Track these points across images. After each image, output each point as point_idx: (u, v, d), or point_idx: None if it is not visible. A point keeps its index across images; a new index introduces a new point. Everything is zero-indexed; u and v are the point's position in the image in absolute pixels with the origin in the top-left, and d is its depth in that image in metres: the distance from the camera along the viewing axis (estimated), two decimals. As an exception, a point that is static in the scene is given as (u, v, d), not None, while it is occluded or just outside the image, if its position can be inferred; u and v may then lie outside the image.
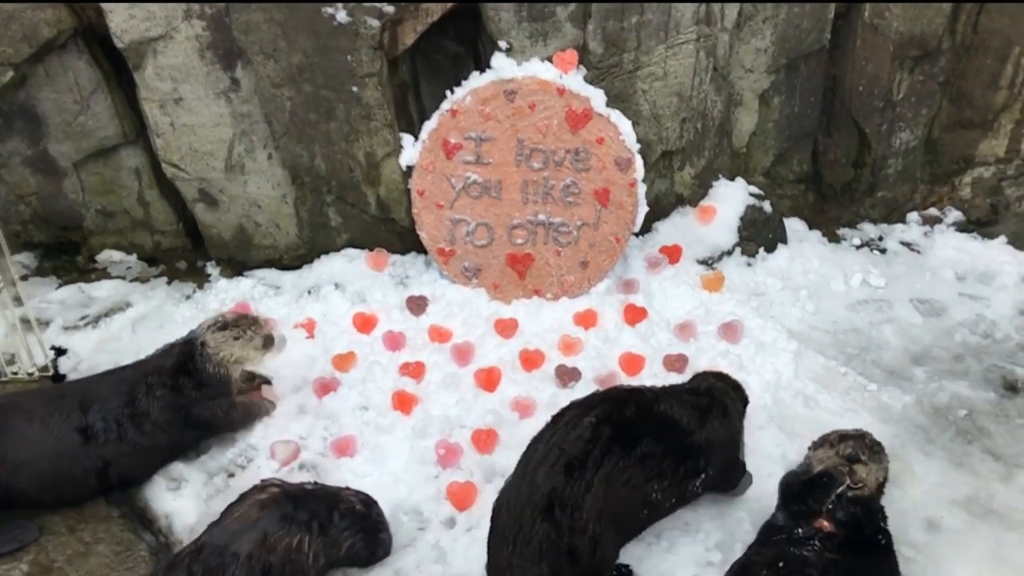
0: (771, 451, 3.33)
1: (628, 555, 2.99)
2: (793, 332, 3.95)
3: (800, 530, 2.71)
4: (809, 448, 2.93)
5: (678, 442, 2.87)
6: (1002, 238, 4.43)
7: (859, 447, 2.79)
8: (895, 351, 3.92)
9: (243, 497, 2.81)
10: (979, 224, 4.52)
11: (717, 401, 3.04)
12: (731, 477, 3.14)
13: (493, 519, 2.73)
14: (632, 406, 2.85)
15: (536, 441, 2.78)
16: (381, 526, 2.94)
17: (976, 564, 2.94)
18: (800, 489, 2.81)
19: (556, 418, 2.84)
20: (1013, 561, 3.00)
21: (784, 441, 3.39)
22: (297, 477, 3.33)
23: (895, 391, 3.68)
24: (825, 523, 2.69)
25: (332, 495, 2.92)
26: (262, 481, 2.87)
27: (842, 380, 3.74)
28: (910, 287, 4.26)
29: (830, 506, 2.72)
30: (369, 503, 2.95)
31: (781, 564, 2.59)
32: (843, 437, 2.84)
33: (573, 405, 2.87)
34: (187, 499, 3.22)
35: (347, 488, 2.99)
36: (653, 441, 2.79)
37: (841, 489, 2.72)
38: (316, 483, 2.96)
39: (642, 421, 2.82)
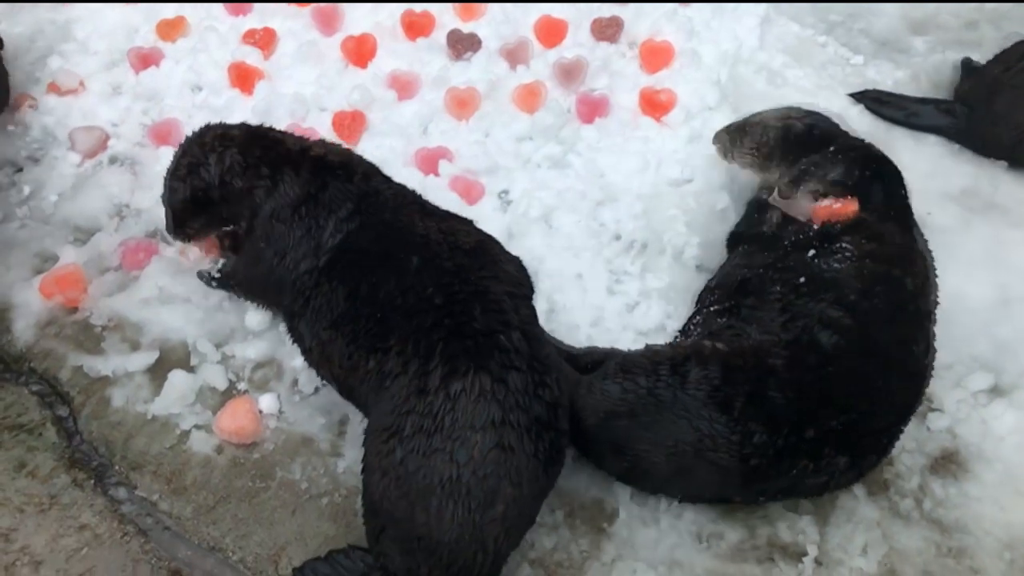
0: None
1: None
2: (763, -8, 3.07)
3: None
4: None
5: None
6: None
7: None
8: (891, 17, 3.08)
9: None
10: None
11: None
12: None
13: None
14: None
15: None
16: None
17: (967, 266, 2.29)
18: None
19: None
20: (1013, 263, 2.35)
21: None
22: (107, 171, 2.60)
23: (886, 65, 2.92)
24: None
25: None
26: None
27: (819, 52, 2.95)
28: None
29: None
30: None
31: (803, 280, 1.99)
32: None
33: None
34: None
35: None
36: None
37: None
38: None
39: None
